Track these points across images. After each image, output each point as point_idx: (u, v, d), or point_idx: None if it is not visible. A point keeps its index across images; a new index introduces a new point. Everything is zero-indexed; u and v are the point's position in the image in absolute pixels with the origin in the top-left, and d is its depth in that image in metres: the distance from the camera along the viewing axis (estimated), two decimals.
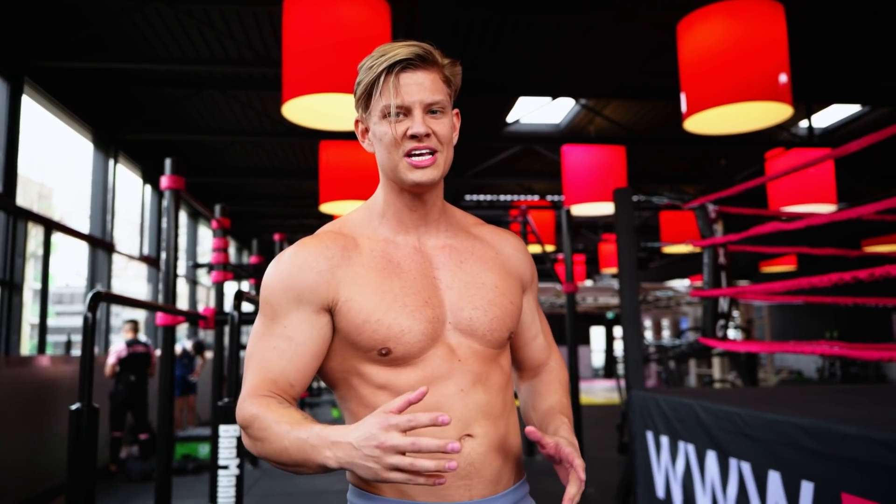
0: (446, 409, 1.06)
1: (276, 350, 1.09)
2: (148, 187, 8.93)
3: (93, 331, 2.06)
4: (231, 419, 2.06)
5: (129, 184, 8.77)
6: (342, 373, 1.13)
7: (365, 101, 1.12)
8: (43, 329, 5.98)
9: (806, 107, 8.26)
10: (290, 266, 1.11)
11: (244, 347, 6.80)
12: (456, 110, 1.17)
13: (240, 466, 2.03)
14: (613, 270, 14.31)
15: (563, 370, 1.31)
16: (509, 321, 1.17)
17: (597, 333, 23.82)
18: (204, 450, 6.81)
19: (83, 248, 7.27)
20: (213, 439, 4.94)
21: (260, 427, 1.02)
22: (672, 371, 4.82)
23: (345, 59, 4.25)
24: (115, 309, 11.52)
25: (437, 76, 1.11)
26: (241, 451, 2.05)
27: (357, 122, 1.17)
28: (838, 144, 8.78)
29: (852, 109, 8.89)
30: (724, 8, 4.67)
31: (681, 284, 18.72)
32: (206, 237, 12.84)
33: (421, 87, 1.08)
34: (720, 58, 4.63)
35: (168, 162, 3.62)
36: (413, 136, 1.08)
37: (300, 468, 0.99)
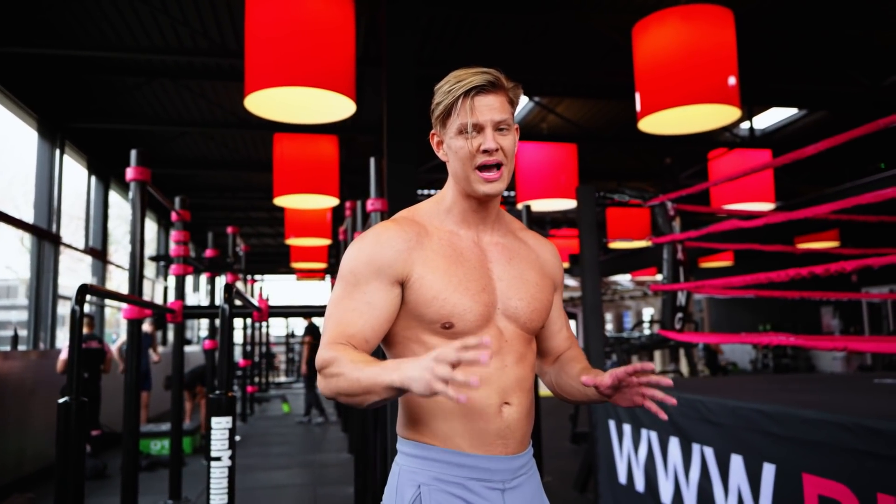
0: (493, 381, 1.26)
1: (356, 311, 1.25)
2: (94, 178, 8.67)
3: (81, 324, 2.05)
4: (223, 412, 2.08)
5: (74, 174, 8.50)
6: (404, 338, 1.30)
7: (443, 119, 1.30)
8: None
9: (748, 109, 8.61)
10: (374, 244, 1.28)
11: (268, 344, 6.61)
12: (516, 126, 1.34)
13: (231, 458, 2.06)
14: (563, 265, 14.56)
15: (582, 354, 1.50)
16: (544, 314, 1.38)
17: None
18: (156, 446, 6.69)
19: (13, 238, 7.02)
20: (176, 434, 4.88)
21: (337, 365, 1.16)
22: (624, 362, 5.00)
23: (308, 53, 4.24)
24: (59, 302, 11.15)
25: (504, 98, 1.29)
26: (233, 442, 2.07)
27: (433, 135, 1.35)
28: (777, 145, 9.19)
29: (791, 112, 9.32)
30: (677, 12, 4.83)
31: (624, 279, 19.22)
32: (150, 229, 12.53)
33: (491, 108, 1.27)
34: (674, 61, 4.80)
35: (134, 153, 3.55)
36: (485, 151, 1.26)
37: (368, 395, 1.11)
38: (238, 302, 3.20)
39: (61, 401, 2.03)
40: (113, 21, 6.13)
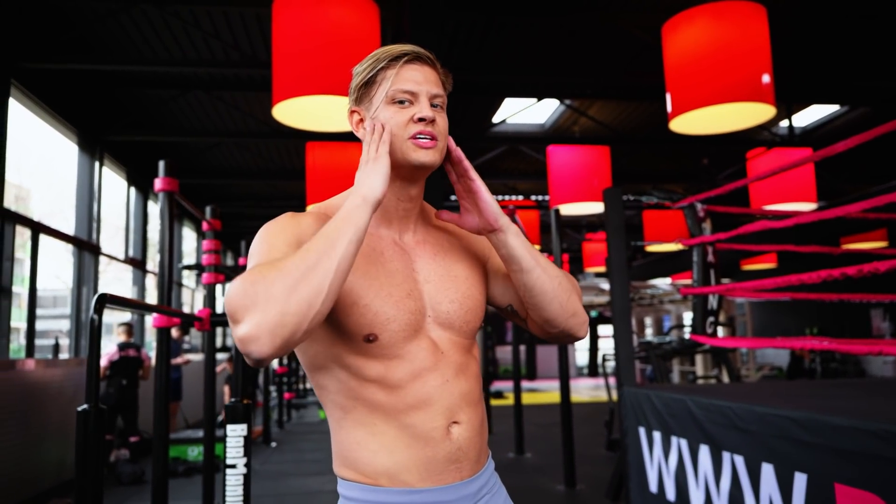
0: (435, 400, 1.11)
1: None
2: (133, 189, 8.87)
3: (99, 332, 2.07)
4: (238, 419, 2.09)
5: (114, 185, 8.71)
6: (327, 360, 1.12)
7: (366, 90, 1.17)
8: (31, 333, 5.93)
9: (787, 107, 8.40)
10: (290, 224, 1.11)
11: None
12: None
13: (247, 465, 2.06)
14: (597, 269, 14.41)
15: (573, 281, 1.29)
16: (480, 312, 1.23)
17: None
18: (193, 452, 6.79)
19: (64, 250, 7.22)
20: (208, 440, 4.94)
21: (263, 269, 0.93)
22: (661, 368, 4.89)
23: (335, 61, 4.27)
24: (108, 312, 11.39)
25: (437, 75, 1.18)
26: (249, 449, 2.07)
27: (353, 111, 1.20)
28: (818, 144, 8.93)
29: (831, 109, 9.06)
30: (708, 10, 4.74)
31: (663, 283, 18.91)
32: (189, 239, 12.77)
33: (427, 79, 1.15)
34: (705, 59, 4.70)
35: (161, 164, 3.62)
36: (420, 120, 1.13)
37: (329, 252, 0.96)
38: None
39: (80, 409, 2.05)
40: (147, 36, 6.27)
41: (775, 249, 3.61)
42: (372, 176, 1.07)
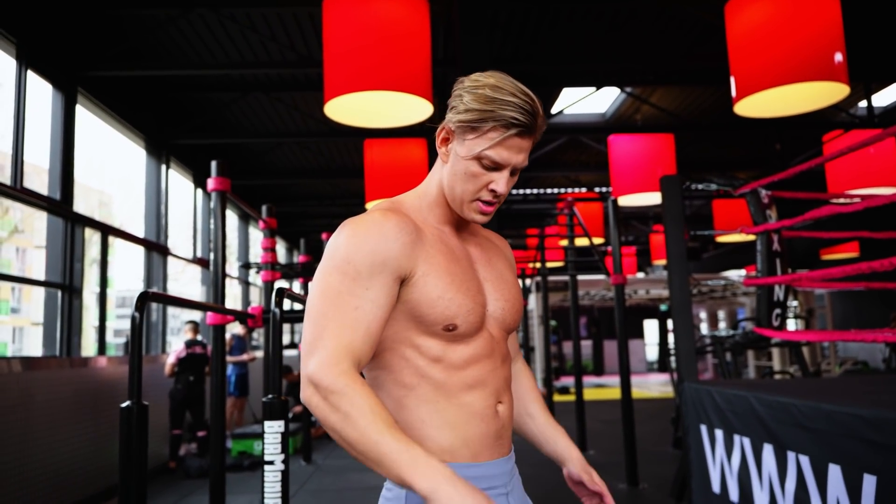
0: (488, 383, 1.23)
1: (359, 311, 1.12)
2: (199, 191, 9.14)
3: (140, 330, 2.10)
4: (275, 416, 2.08)
5: (181, 188, 8.99)
6: (395, 342, 1.19)
7: (466, 126, 1.17)
8: (102, 331, 6.17)
9: (865, 86, 7.92)
10: (378, 234, 1.14)
11: (288, 346, 6.78)
12: None
13: (285, 462, 2.05)
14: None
15: (530, 371, 1.52)
16: (521, 314, 1.37)
17: (650, 327, 23.41)
18: (259, 447, 6.93)
19: (141, 252, 7.48)
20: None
21: (349, 403, 1.04)
22: (728, 363, 4.68)
23: (385, 57, 4.26)
24: (174, 311, 11.85)
25: (532, 140, 1.20)
26: (287, 445, 2.07)
27: (445, 127, 1.22)
28: None
29: None
30: None
31: (736, 274, 18.24)
32: (258, 239, 13.09)
33: (520, 151, 1.18)
34: (771, 38, 4.46)
35: (214, 164, 3.68)
36: (492, 191, 1.20)
37: (374, 466, 1.03)
38: (299, 306, 3.22)
39: (124, 405, 2.08)
40: (206, 40, 6.42)
41: (847, 236, 3.38)
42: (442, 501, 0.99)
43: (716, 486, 3.37)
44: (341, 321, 1.10)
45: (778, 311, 3.52)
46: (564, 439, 1.41)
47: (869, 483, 2.09)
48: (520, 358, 1.50)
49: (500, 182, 1.18)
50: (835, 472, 2.29)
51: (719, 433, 3.31)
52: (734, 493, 3.14)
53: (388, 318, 1.16)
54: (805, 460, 2.49)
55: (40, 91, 5.73)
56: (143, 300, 2.18)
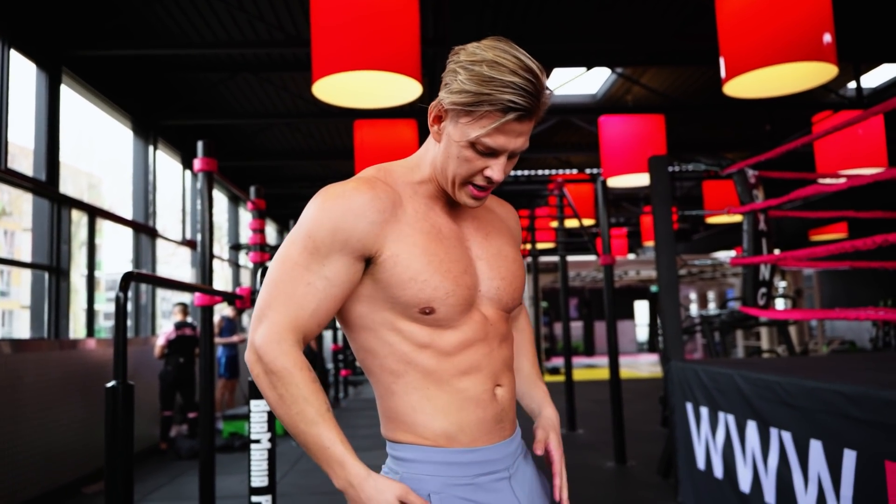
0: (483, 366, 1.18)
1: (311, 287, 1.11)
2: (188, 172, 9.08)
3: (125, 310, 2.10)
4: (261, 395, 2.08)
5: (170, 170, 8.93)
6: (375, 322, 1.16)
7: (460, 108, 1.08)
8: (91, 313, 6.15)
9: (854, 67, 7.93)
10: (344, 209, 1.10)
11: None
12: None
13: (271, 440, 2.06)
14: None
15: (531, 329, 1.48)
16: (522, 290, 1.29)
17: (641, 307, 23.55)
18: None
19: (131, 235, 7.44)
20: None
21: (286, 384, 1.08)
22: (716, 342, 4.72)
23: (373, 36, 4.21)
24: (165, 294, 11.81)
25: (533, 122, 1.11)
26: (274, 424, 2.07)
27: (438, 106, 1.13)
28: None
29: None
30: None
31: (725, 255, 18.34)
32: (248, 220, 13.05)
33: (519, 135, 1.09)
34: (760, 18, 4.45)
35: (200, 144, 3.65)
36: (487, 177, 1.13)
37: (304, 446, 1.09)
38: None
39: (109, 385, 2.08)
40: (192, 20, 6.34)
41: (833, 216, 3.40)
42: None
43: (700, 463, 3.41)
44: (292, 294, 1.10)
45: (763, 290, 3.55)
46: (541, 395, 1.38)
47: (849, 458, 2.13)
48: (522, 313, 1.45)
49: (496, 168, 1.11)
50: (816, 448, 2.33)
51: (704, 411, 3.35)
52: (718, 470, 3.19)
53: (346, 295, 1.14)
54: (787, 436, 2.53)
55: (24, 71, 5.67)
56: (127, 280, 2.18)
